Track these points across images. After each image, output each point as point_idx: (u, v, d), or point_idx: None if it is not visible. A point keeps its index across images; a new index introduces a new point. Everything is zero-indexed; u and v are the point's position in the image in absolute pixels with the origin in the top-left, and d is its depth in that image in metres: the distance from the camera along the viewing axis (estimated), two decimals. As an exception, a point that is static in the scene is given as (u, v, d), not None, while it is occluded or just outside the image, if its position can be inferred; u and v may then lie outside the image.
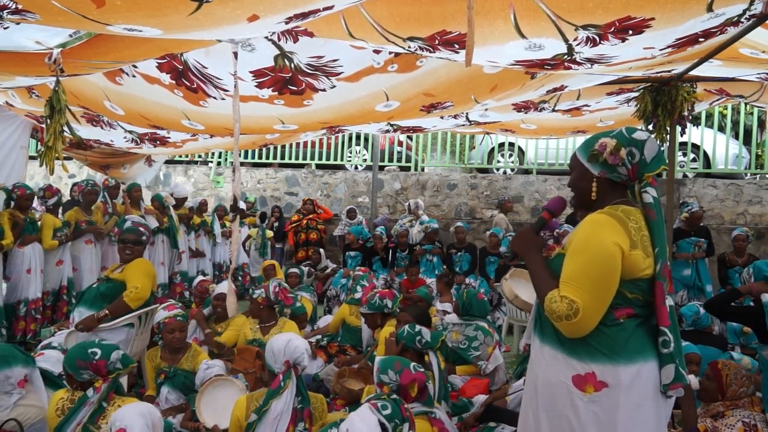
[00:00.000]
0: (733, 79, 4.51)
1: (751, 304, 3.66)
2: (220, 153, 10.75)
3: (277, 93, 4.24)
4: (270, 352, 2.92)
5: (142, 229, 4.36)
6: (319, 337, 5.28)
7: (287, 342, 2.88)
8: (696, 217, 6.40)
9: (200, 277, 6.55)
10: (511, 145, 10.04)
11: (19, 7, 2.39)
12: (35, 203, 6.03)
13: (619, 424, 1.81)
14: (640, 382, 1.83)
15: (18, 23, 2.79)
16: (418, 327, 3.35)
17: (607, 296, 1.83)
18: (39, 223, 5.72)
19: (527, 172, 9.89)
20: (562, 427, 1.89)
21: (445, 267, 7.51)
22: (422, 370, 2.87)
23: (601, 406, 1.82)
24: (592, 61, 3.29)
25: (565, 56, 3.19)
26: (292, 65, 3.79)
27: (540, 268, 2.00)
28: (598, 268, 1.83)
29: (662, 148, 1.99)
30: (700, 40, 2.98)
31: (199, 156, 10.93)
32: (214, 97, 4.34)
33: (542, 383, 1.96)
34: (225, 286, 4.71)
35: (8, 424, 2.86)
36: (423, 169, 10.84)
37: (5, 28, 2.98)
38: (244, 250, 8.74)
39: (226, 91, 4.20)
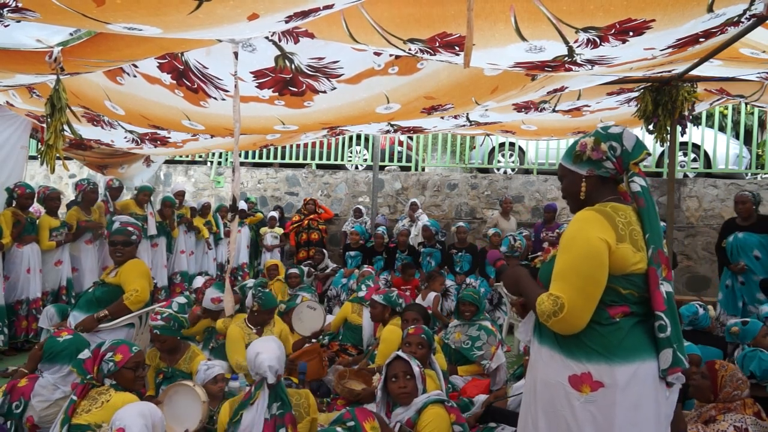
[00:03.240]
0: (733, 79, 4.51)
1: None
2: (221, 153, 10.75)
3: (277, 94, 4.23)
4: (249, 361, 2.90)
5: (131, 228, 4.27)
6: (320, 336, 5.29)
7: (256, 355, 2.85)
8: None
9: (201, 278, 6.57)
10: (512, 145, 10.03)
11: (20, 5, 2.39)
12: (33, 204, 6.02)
13: (616, 424, 1.81)
14: (637, 381, 1.83)
15: (18, 21, 2.79)
16: None
17: (594, 291, 1.84)
18: (37, 223, 5.72)
19: (528, 172, 9.89)
20: (559, 428, 1.89)
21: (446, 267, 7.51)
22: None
23: (597, 406, 1.82)
24: (592, 62, 3.29)
25: (566, 58, 3.19)
26: (293, 66, 3.79)
27: (530, 288, 2.03)
28: (584, 262, 1.84)
29: (640, 137, 2.02)
30: (701, 40, 2.98)
31: (200, 156, 10.93)
32: (215, 98, 4.33)
33: (540, 384, 1.97)
34: (212, 292, 4.72)
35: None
36: (423, 169, 10.83)
37: (6, 26, 2.98)
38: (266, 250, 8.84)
39: (227, 91, 4.20)
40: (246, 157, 10.87)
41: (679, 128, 4.82)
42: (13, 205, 5.52)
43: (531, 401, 2.03)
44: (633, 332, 1.88)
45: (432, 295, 6.22)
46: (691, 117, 4.87)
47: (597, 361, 1.84)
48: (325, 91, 4.16)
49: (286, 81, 4.00)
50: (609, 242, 1.84)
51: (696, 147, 9.09)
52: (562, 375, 1.88)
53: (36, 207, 6.19)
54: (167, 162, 10.58)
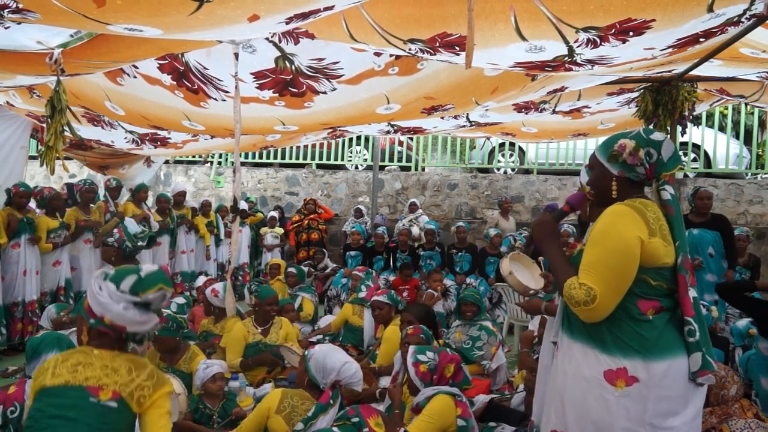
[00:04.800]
0: (733, 79, 4.51)
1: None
2: (221, 153, 10.75)
3: (277, 94, 4.24)
4: (320, 367, 2.93)
5: (114, 230, 4.36)
6: (320, 336, 5.28)
7: (343, 364, 2.91)
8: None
9: (202, 277, 6.56)
10: (512, 145, 10.03)
11: (20, 6, 2.39)
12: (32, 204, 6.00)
13: (647, 417, 1.86)
14: (670, 376, 1.88)
15: (19, 23, 2.79)
16: None
17: (623, 285, 1.89)
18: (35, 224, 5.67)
19: (528, 171, 9.89)
20: (591, 423, 1.92)
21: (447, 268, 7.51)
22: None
23: (631, 400, 1.87)
24: (592, 62, 3.29)
25: (566, 58, 3.19)
26: (293, 67, 3.79)
27: (558, 256, 2.06)
28: (616, 257, 1.88)
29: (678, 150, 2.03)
30: (701, 40, 2.99)
31: (200, 156, 10.93)
32: (215, 99, 4.34)
33: (572, 379, 2.00)
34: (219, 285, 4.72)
35: None
36: (423, 169, 10.83)
37: (6, 28, 2.98)
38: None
39: (227, 92, 4.20)
40: (246, 157, 10.84)
41: (679, 128, 4.82)
42: (10, 205, 5.49)
43: (557, 397, 2.05)
44: (667, 330, 1.93)
45: (426, 292, 6.26)
46: (691, 117, 4.87)
47: (633, 357, 1.89)
48: (325, 92, 4.16)
49: (287, 82, 4.00)
50: (642, 237, 1.89)
51: (696, 147, 9.08)
52: (597, 370, 1.92)
53: (39, 211, 6.18)
54: (167, 162, 10.59)
